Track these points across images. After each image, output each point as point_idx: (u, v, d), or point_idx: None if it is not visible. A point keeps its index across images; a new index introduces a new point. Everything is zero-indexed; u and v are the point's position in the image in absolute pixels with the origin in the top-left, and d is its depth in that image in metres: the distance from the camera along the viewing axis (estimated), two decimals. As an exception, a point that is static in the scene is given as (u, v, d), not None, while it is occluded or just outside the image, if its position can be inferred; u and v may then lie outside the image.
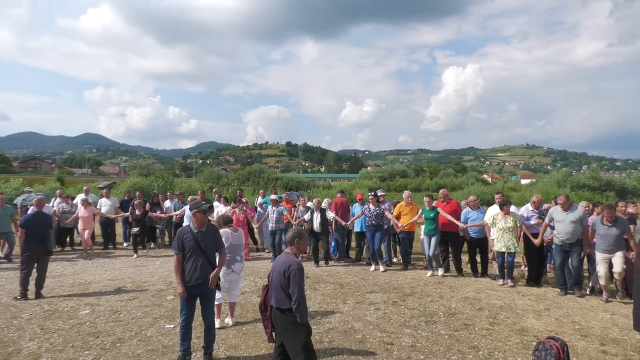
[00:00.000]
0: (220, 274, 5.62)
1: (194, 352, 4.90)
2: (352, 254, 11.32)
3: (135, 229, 11.34)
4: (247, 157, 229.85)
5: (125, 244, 13.13)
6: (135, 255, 11.16)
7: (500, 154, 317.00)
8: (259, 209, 12.70)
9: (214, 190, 16.66)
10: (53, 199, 13.29)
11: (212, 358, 4.79)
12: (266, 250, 12.34)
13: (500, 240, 8.28)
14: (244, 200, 12.34)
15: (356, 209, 10.75)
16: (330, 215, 10.53)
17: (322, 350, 5.00)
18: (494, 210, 8.91)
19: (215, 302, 5.60)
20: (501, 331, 5.82)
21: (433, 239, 9.10)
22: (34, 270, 7.50)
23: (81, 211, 11.56)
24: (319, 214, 10.27)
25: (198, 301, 4.91)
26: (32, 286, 7.43)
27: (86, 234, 11.48)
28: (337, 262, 10.70)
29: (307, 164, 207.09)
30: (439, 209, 9.15)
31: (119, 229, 13.80)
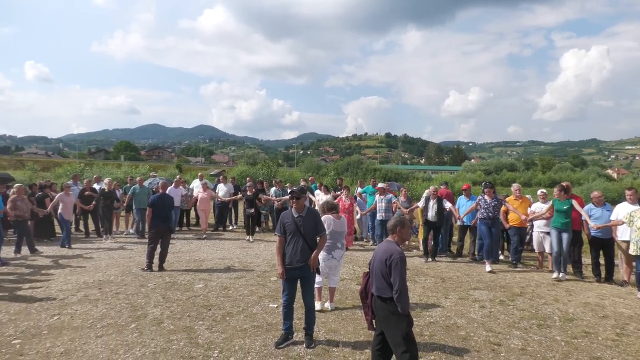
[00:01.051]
0: (321, 259, 5.74)
1: (296, 332, 5.08)
2: (454, 248, 10.83)
3: (250, 210, 12.00)
4: (346, 148, 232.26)
5: (231, 227, 14.08)
6: (249, 238, 11.79)
7: (630, 147, 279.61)
8: (358, 198, 12.73)
9: (310, 178, 17.14)
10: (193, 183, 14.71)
11: (312, 339, 4.91)
12: (364, 239, 12.34)
13: (637, 242, 7.19)
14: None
15: (461, 201, 10.22)
16: (448, 205, 9.77)
17: (422, 344, 4.86)
18: (625, 207, 7.77)
19: (316, 286, 5.75)
20: (631, 344, 5.13)
21: (564, 235, 8.13)
22: (158, 246, 8.37)
23: (201, 194, 12.61)
24: (436, 203, 9.63)
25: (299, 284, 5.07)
26: (156, 260, 8.30)
27: (203, 215, 12.50)
28: (439, 255, 10.32)
29: (406, 156, 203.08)
30: (573, 202, 8.20)
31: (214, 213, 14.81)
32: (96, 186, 12.95)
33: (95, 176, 15.28)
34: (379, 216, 10.65)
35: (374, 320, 3.90)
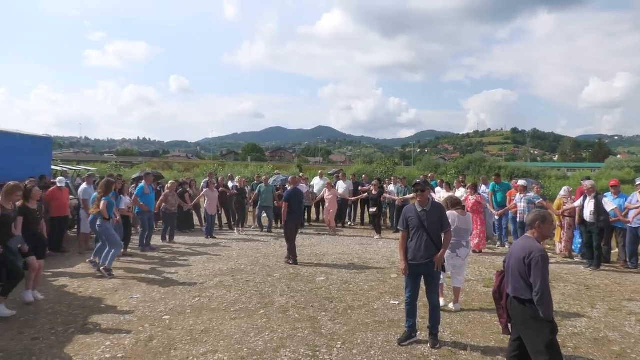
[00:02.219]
0: (444, 257, 5.46)
1: (419, 331, 4.90)
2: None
3: (372, 209, 12.05)
4: (466, 146, 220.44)
5: (350, 223, 14.23)
6: (376, 236, 11.82)
7: None
8: (482, 194, 11.90)
9: (429, 175, 16.56)
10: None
11: (437, 339, 4.68)
12: (489, 241, 11.48)
13: None
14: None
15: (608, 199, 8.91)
16: (611, 205, 8.35)
17: (566, 356, 4.31)
18: None
19: (459, 285, 5.53)
20: None
21: None
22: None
23: (326, 193, 13.00)
24: (593, 200, 8.38)
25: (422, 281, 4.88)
26: (281, 250, 8.74)
27: (331, 213, 12.83)
28: (580, 260, 9.14)
29: (536, 152, 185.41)
30: None
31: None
32: (230, 183, 14.12)
33: (229, 174, 16.73)
34: (519, 218, 9.67)
35: (509, 324, 3.57)
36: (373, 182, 12.66)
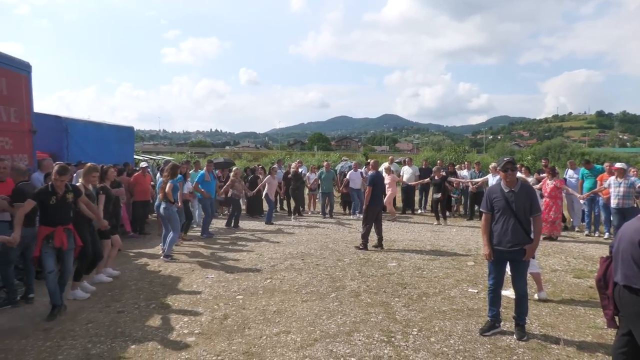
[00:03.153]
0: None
1: (503, 322, 4.53)
2: None
3: (436, 195, 11.59)
4: (544, 131, 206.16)
5: (420, 211, 13.75)
6: (436, 222, 11.40)
7: None
8: (568, 179, 10.94)
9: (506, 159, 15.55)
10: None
11: (524, 331, 4.29)
12: (576, 229, 10.52)
13: None
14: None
15: None
16: None
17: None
18: None
19: (532, 270, 5.05)
20: None
21: None
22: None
23: (387, 178, 12.69)
24: None
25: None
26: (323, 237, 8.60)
27: (388, 198, 12.54)
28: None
29: (625, 137, 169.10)
30: None
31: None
32: (299, 170, 14.21)
33: (298, 160, 16.85)
34: (613, 203, 8.69)
35: (616, 317, 3.13)
36: (434, 168, 12.14)
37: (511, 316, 4.47)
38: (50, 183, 4.96)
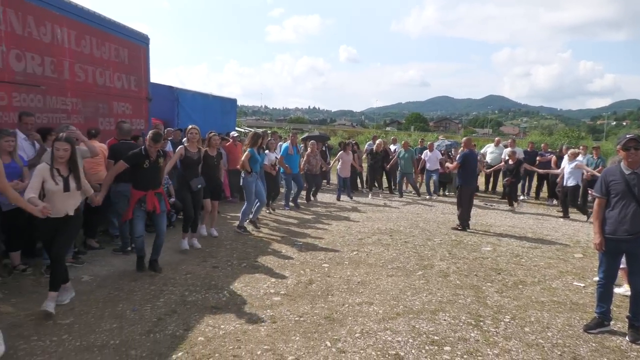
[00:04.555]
0: None
1: (614, 321, 4.02)
2: None
3: (505, 179, 10.74)
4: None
5: (522, 197, 12.72)
6: (509, 207, 10.52)
7: None
8: None
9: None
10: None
11: (640, 334, 3.77)
12: None
13: None
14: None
15: None
16: None
17: None
18: None
19: None
20: None
21: None
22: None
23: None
24: None
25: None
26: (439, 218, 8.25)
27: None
28: None
29: None
30: None
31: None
32: (392, 147, 13.89)
33: (393, 137, 16.46)
34: None
35: None
36: (507, 151, 11.20)
37: (624, 316, 3.95)
38: (143, 147, 5.00)
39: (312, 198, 10.75)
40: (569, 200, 9.73)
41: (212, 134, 6.76)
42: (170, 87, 10.39)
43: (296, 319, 3.99)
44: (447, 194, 12.68)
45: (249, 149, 7.17)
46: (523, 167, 11.05)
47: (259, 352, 3.37)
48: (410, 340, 3.65)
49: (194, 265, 5.45)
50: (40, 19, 5.50)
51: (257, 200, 7.47)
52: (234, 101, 14.09)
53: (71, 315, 3.89)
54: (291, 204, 9.73)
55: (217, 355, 3.32)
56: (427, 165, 12.17)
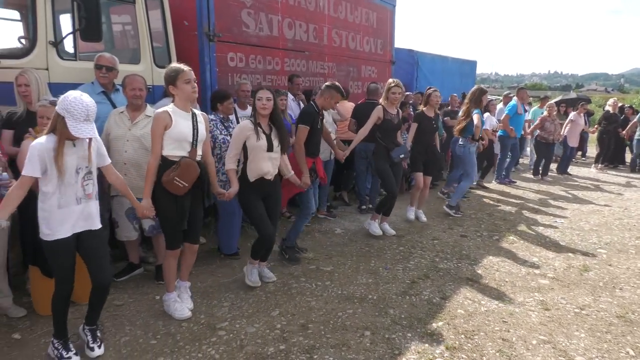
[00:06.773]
0: None
1: None
2: None
3: None
4: None
5: None
6: None
7: None
8: None
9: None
10: None
11: None
12: None
13: None
14: None
15: None
16: None
17: None
18: None
19: None
20: None
21: None
22: None
23: None
24: None
25: None
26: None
27: None
28: None
29: None
30: None
31: None
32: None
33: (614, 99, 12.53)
34: None
35: None
36: None
37: None
38: (314, 99, 4.13)
39: (540, 173, 8.75)
40: None
41: (432, 89, 5.53)
42: (410, 50, 10.19)
43: (576, 310, 3.26)
44: None
45: (475, 110, 5.66)
46: None
47: (534, 342, 2.84)
48: None
49: (439, 231, 5.16)
50: (306, -15, 5.89)
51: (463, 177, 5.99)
52: (473, 63, 13.06)
53: (330, 264, 4.11)
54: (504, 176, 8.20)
55: (482, 334, 2.94)
56: None
